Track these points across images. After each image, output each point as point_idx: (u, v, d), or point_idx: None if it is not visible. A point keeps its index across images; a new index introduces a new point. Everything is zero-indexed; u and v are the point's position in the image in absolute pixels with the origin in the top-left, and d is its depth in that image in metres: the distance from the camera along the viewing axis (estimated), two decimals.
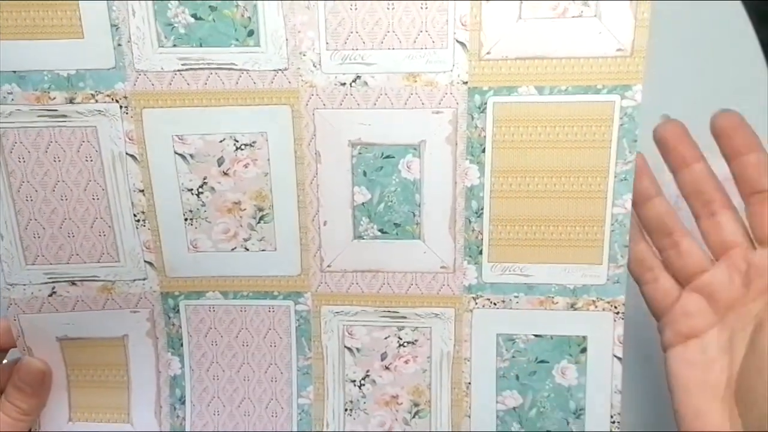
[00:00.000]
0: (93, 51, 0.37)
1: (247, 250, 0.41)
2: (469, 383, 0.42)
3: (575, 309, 0.41)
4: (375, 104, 0.39)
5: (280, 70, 0.38)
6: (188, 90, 0.38)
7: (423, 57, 0.38)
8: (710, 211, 0.39)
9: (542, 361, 0.42)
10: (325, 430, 0.44)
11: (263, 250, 0.41)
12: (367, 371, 0.43)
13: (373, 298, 0.42)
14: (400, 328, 0.42)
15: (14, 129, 0.39)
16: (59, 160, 0.39)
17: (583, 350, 0.41)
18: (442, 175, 0.40)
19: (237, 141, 0.39)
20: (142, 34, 0.37)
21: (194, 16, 0.37)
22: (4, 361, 0.43)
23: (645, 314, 0.41)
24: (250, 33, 0.37)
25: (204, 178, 0.40)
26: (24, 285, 0.41)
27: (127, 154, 0.39)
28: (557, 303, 0.41)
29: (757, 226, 0.37)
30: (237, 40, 0.37)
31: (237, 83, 0.38)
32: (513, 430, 0.43)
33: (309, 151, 0.40)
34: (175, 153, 0.39)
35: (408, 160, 0.40)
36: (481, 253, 0.41)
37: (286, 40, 0.38)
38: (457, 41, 0.38)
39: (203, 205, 0.40)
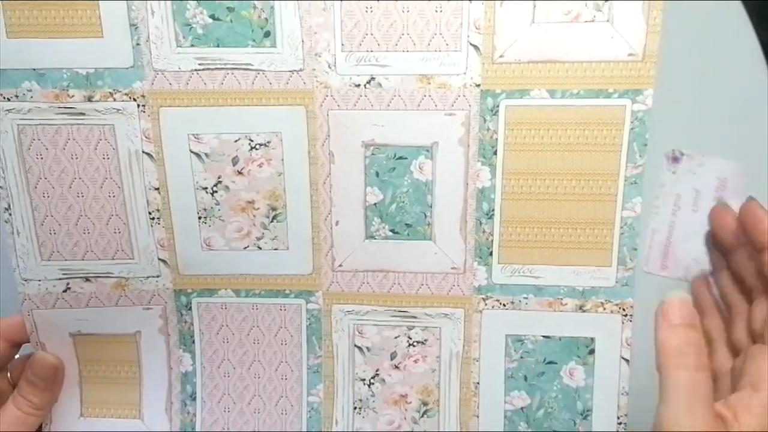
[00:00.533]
0: (112, 50, 0.38)
1: (260, 248, 0.42)
2: (478, 383, 0.43)
3: (584, 311, 0.41)
4: (389, 106, 0.39)
5: (295, 70, 0.39)
6: (205, 89, 0.39)
7: (437, 59, 0.38)
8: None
9: (550, 362, 0.42)
10: (334, 428, 0.44)
11: (276, 249, 0.42)
12: (377, 370, 0.43)
13: (383, 297, 0.42)
14: (410, 328, 0.43)
15: (33, 126, 0.39)
16: (76, 158, 0.40)
17: (591, 351, 0.42)
18: (454, 176, 0.40)
19: (252, 141, 0.40)
20: (161, 34, 0.38)
21: (212, 16, 0.38)
22: (17, 356, 0.44)
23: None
24: (267, 34, 0.38)
25: (218, 177, 0.40)
26: (39, 281, 0.42)
27: (143, 152, 0.40)
28: (566, 304, 0.41)
29: None
30: (254, 40, 0.38)
31: (253, 83, 0.39)
32: (521, 430, 0.43)
33: (323, 152, 0.40)
34: (191, 152, 0.40)
35: (420, 161, 0.40)
36: (491, 254, 0.41)
37: (302, 41, 0.38)
38: (471, 44, 0.38)
39: (217, 203, 0.41)
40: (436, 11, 0.38)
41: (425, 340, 0.43)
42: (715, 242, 0.39)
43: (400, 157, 0.40)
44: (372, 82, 0.39)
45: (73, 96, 0.39)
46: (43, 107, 0.39)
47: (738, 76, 0.39)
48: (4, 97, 0.39)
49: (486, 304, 0.42)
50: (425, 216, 0.41)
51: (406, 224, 0.41)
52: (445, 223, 0.41)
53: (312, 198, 0.41)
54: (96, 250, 0.41)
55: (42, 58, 0.38)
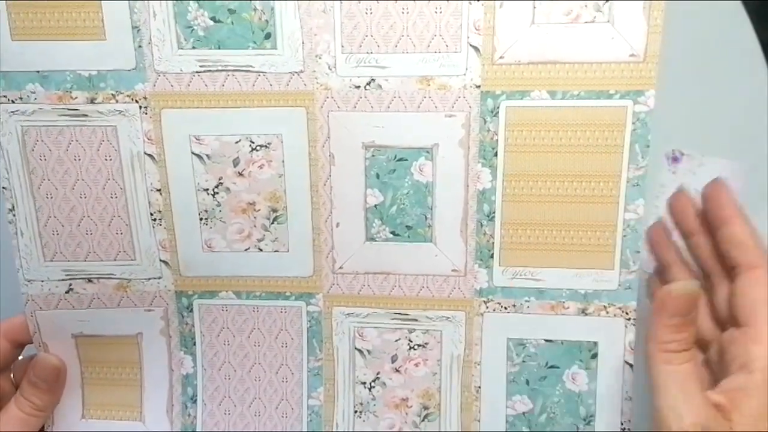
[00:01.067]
0: (114, 52, 0.39)
1: (261, 250, 0.42)
2: (479, 387, 0.43)
3: (586, 314, 0.41)
4: (389, 107, 0.39)
5: (295, 72, 0.39)
6: (206, 91, 0.39)
7: (436, 61, 0.39)
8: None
9: (553, 366, 0.42)
10: (334, 431, 0.44)
11: (276, 251, 0.42)
12: (378, 373, 0.43)
13: (384, 300, 0.42)
14: (411, 331, 0.43)
15: (37, 127, 0.40)
16: (79, 159, 0.40)
17: (594, 356, 0.41)
18: (454, 178, 0.40)
19: (252, 142, 0.40)
20: (163, 36, 0.38)
21: (213, 18, 0.38)
22: (21, 357, 0.44)
23: None
24: (267, 36, 0.38)
25: (220, 179, 0.41)
26: (42, 281, 0.42)
27: (145, 153, 0.40)
28: (568, 308, 0.41)
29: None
30: (254, 42, 0.39)
31: (254, 85, 0.39)
32: None
33: (323, 153, 0.40)
34: (192, 153, 0.40)
35: (420, 163, 0.40)
36: (492, 256, 0.41)
37: (303, 43, 0.39)
38: (471, 45, 0.38)
39: (218, 205, 0.41)
40: (436, 12, 0.38)
41: (426, 343, 0.43)
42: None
43: (401, 159, 0.40)
44: (372, 83, 0.39)
45: (76, 98, 0.39)
46: (47, 109, 0.40)
47: (738, 76, 0.40)
48: (9, 99, 0.39)
49: (487, 307, 0.42)
50: (426, 218, 0.41)
51: (406, 226, 0.41)
52: (446, 225, 0.41)
53: (312, 199, 0.41)
54: (98, 251, 0.42)
55: (46, 61, 0.39)
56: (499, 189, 0.40)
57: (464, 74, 0.39)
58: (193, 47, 0.39)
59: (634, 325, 0.41)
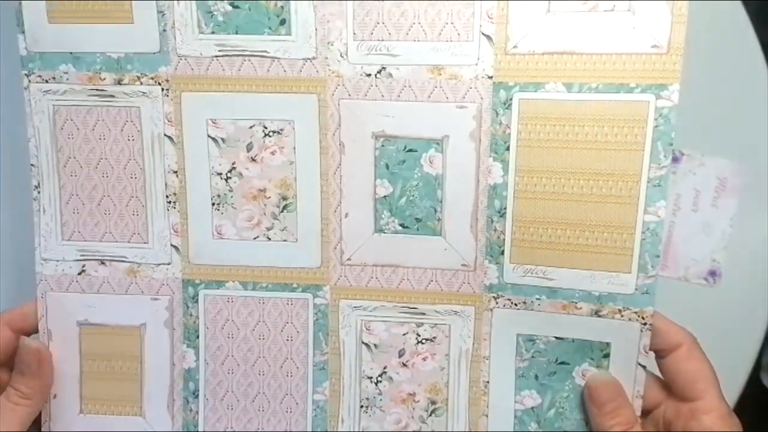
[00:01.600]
0: (141, 35, 0.41)
1: (269, 239, 0.42)
2: (488, 382, 0.41)
3: (599, 316, 0.39)
4: (399, 96, 0.39)
5: (308, 59, 0.40)
6: (223, 75, 0.41)
7: (448, 49, 0.38)
8: None
9: (563, 363, 0.40)
10: (340, 427, 0.43)
11: (285, 240, 0.42)
12: (385, 368, 0.42)
13: (392, 293, 0.42)
14: (419, 325, 0.42)
15: (67, 107, 0.42)
16: (104, 138, 0.42)
17: (606, 356, 0.39)
18: (465, 171, 0.40)
19: (266, 127, 0.41)
20: (185, 21, 0.40)
21: (232, 4, 0.40)
22: None
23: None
24: (282, 22, 0.39)
25: (233, 163, 0.42)
26: (57, 261, 0.43)
27: (165, 135, 0.42)
28: (581, 308, 0.39)
29: None
30: (270, 28, 0.40)
31: (268, 70, 0.40)
32: (531, 430, 0.41)
33: (333, 142, 0.41)
34: (208, 136, 0.41)
35: (431, 154, 0.40)
36: (503, 253, 0.40)
37: (316, 29, 0.39)
38: (483, 34, 0.38)
39: (231, 190, 0.42)
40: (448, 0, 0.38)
41: (434, 338, 0.42)
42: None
43: (411, 150, 0.40)
44: (383, 71, 0.39)
45: (104, 79, 0.41)
46: (77, 89, 0.42)
47: (738, 76, 0.39)
48: (43, 79, 0.42)
49: (497, 303, 0.40)
50: (435, 211, 0.40)
51: (415, 219, 0.41)
52: (456, 219, 0.40)
53: (322, 188, 0.41)
54: (114, 231, 0.43)
55: (78, 43, 0.41)
56: (511, 184, 0.39)
57: (476, 64, 0.38)
58: (213, 32, 0.40)
59: (650, 330, 0.38)
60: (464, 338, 0.41)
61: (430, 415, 0.42)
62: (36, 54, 0.41)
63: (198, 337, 0.44)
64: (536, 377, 0.40)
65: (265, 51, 0.40)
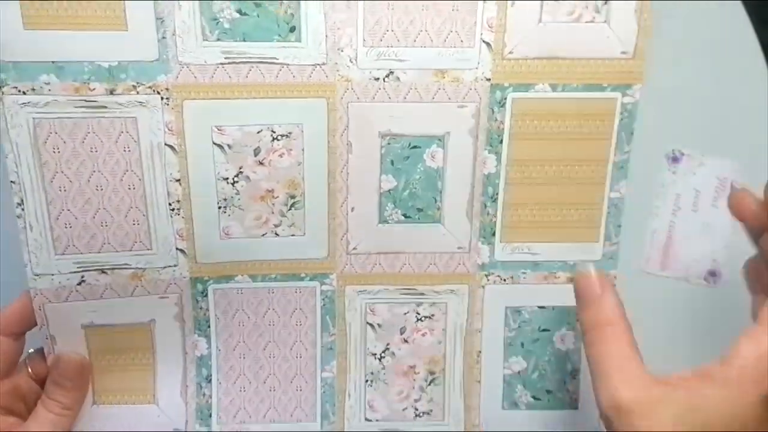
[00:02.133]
0: (136, 43, 0.38)
1: (277, 235, 0.44)
2: (480, 352, 0.48)
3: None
4: (405, 98, 0.42)
5: (318, 64, 0.41)
6: (230, 83, 0.40)
7: (452, 55, 0.42)
8: None
9: (544, 330, 0.48)
10: (347, 401, 0.48)
11: (293, 235, 0.44)
12: (387, 344, 0.47)
13: (394, 277, 0.46)
14: (419, 304, 0.47)
15: (50, 119, 0.39)
16: (96, 151, 0.40)
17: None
18: (463, 163, 0.44)
19: (274, 132, 0.42)
20: (187, 28, 0.39)
21: (239, 11, 0.39)
22: (30, 350, 0.44)
23: None
24: (292, 29, 0.40)
25: (240, 168, 0.42)
26: (52, 275, 0.42)
27: (165, 144, 0.41)
28: (559, 277, 0.46)
29: None
30: (279, 35, 0.40)
31: (277, 77, 0.40)
32: (517, 391, 0.48)
33: (341, 142, 0.43)
34: (214, 143, 0.41)
35: (433, 150, 0.44)
36: (494, 234, 0.45)
37: (326, 36, 0.40)
38: (483, 41, 0.42)
39: (237, 193, 0.43)
40: (453, 10, 0.41)
41: (432, 315, 0.47)
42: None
43: (414, 147, 0.43)
44: (391, 75, 0.41)
45: (94, 89, 0.39)
46: (62, 100, 0.39)
47: (738, 76, 0.42)
48: (20, 91, 0.38)
49: (488, 280, 0.46)
50: (435, 201, 0.45)
51: (417, 209, 0.45)
52: (454, 207, 0.45)
53: (329, 186, 0.43)
54: (113, 242, 0.42)
55: (61, 51, 0.38)
56: (503, 173, 0.44)
57: (476, 68, 0.42)
58: (218, 39, 0.39)
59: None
60: (459, 314, 0.47)
61: (429, 385, 0.48)
62: (9, 64, 0.38)
63: (209, 326, 0.45)
64: (522, 345, 0.47)
65: (275, 58, 0.40)
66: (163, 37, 0.39)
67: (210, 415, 0.47)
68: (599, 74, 0.43)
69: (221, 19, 0.39)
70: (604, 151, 0.44)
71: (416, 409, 0.48)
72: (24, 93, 0.38)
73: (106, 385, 0.45)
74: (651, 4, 0.41)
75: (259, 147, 0.42)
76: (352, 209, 0.44)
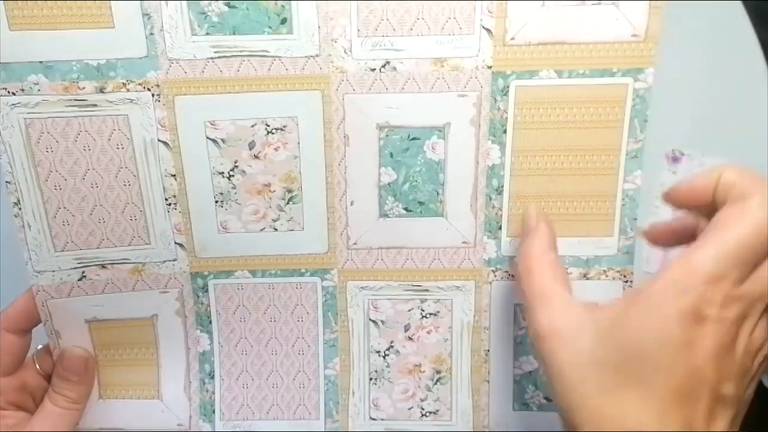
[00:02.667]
0: (124, 40, 0.39)
1: (276, 230, 0.44)
2: (488, 350, 0.47)
3: (587, 278, 0.45)
4: (403, 88, 0.41)
5: (311, 56, 0.40)
6: (221, 77, 0.40)
7: (450, 43, 0.40)
8: None
9: None
10: (350, 399, 0.47)
11: (291, 230, 0.44)
12: (391, 342, 0.47)
13: (397, 273, 0.45)
14: (423, 301, 0.46)
15: (41, 119, 0.40)
16: (89, 149, 0.40)
17: None
18: (465, 155, 0.43)
19: (268, 125, 0.41)
20: (175, 23, 0.38)
21: (228, 5, 0.38)
22: (39, 346, 0.45)
23: None
24: (284, 21, 0.39)
25: (235, 162, 0.42)
26: (53, 271, 0.43)
27: (159, 140, 0.41)
28: (571, 273, 0.45)
29: None
30: (270, 27, 0.39)
31: (269, 70, 0.40)
32: (529, 392, 0.47)
33: (338, 135, 0.42)
34: (207, 138, 0.41)
35: (433, 141, 0.43)
36: (500, 228, 0.44)
37: (319, 27, 0.39)
38: (483, 27, 0.40)
39: (234, 187, 0.42)
40: None
41: (437, 312, 0.46)
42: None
43: (414, 138, 0.42)
44: (387, 66, 0.41)
45: (84, 88, 0.39)
46: (52, 100, 0.39)
47: (738, 75, 0.42)
48: (9, 92, 0.39)
49: (495, 276, 0.45)
50: (437, 194, 0.44)
51: (419, 202, 0.44)
52: (457, 200, 0.44)
53: (327, 179, 0.43)
54: (112, 237, 0.43)
55: (49, 50, 0.38)
56: (508, 164, 0.43)
57: (477, 55, 0.41)
58: (208, 33, 0.39)
59: (631, 287, 0.45)
60: (466, 311, 0.46)
61: (435, 384, 0.47)
62: None
63: (211, 322, 0.46)
64: (532, 344, 0.46)
65: (266, 50, 0.40)
66: (151, 33, 0.39)
67: (213, 412, 0.47)
68: (608, 59, 0.41)
69: (209, 13, 0.39)
70: (616, 139, 0.43)
71: (422, 409, 0.47)
72: (14, 94, 0.39)
73: (111, 379, 0.46)
74: None
75: (253, 141, 0.42)
76: (352, 203, 0.43)
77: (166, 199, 0.42)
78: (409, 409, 0.47)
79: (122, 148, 0.41)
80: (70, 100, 0.39)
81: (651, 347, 0.32)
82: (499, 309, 0.46)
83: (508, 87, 0.41)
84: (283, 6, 0.39)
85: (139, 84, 0.40)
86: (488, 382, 0.47)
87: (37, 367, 0.44)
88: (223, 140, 0.41)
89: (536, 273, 0.38)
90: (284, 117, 0.41)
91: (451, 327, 0.46)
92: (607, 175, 0.43)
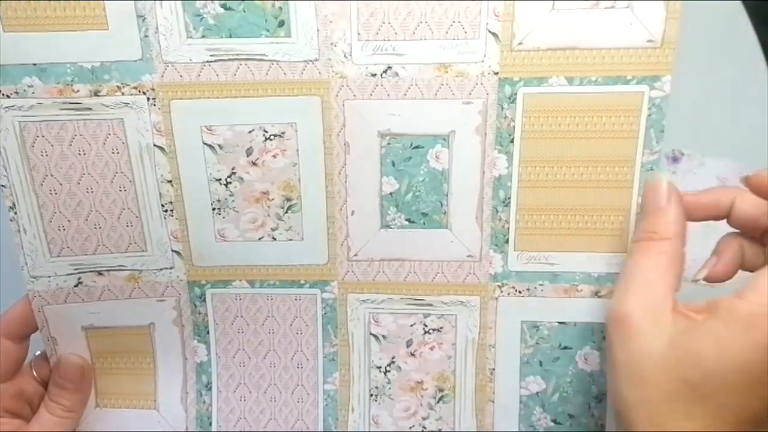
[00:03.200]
0: (118, 43, 0.38)
1: (275, 239, 0.43)
2: (493, 369, 0.45)
3: (599, 296, 0.43)
4: (405, 95, 0.40)
5: (310, 60, 0.39)
6: (217, 81, 0.39)
7: (455, 47, 0.39)
8: None
9: (566, 347, 0.44)
10: (350, 416, 0.46)
11: (290, 240, 0.43)
12: (393, 358, 0.45)
13: (399, 286, 0.44)
14: (426, 316, 0.44)
15: (36, 123, 0.39)
16: (84, 153, 0.40)
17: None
18: (471, 165, 0.41)
19: (266, 131, 0.40)
20: (170, 26, 0.38)
21: (224, 6, 0.38)
22: (37, 353, 0.44)
23: None
24: (281, 24, 0.38)
25: (232, 169, 0.41)
26: (49, 277, 0.42)
27: (154, 145, 0.40)
28: (581, 291, 0.43)
29: None
30: (267, 30, 0.38)
31: (267, 74, 0.39)
32: (536, 414, 0.45)
33: (338, 142, 0.41)
34: (204, 144, 0.40)
35: (437, 150, 0.41)
36: (507, 242, 0.43)
37: (318, 30, 0.38)
38: (490, 32, 0.39)
39: (231, 195, 0.42)
40: None
41: (441, 328, 0.45)
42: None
43: (417, 146, 0.41)
44: (389, 71, 0.39)
45: (78, 91, 0.39)
46: (46, 103, 0.39)
47: (738, 76, 0.41)
48: (4, 94, 0.38)
49: (502, 292, 0.44)
50: (441, 205, 0.42)
51: (422, 213, 0.42)
52: (462, 211, 0.42)
53: (327, 188, 0.42)
54: (108, 243, 0.42)
55: (43, 53, 0.38)
56: (515, 175, 0.41)
57: (482, 61, 0.39)
58: (203, 36, 0.38)
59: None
60: (470, 327, 0.44)
61: (438, 402, 0.46)
62: None
63: (208, 332, 0.45)
64: (540, 363, 0.44)
65: (263, 54, 0.39)
66: (146, 36, 0.38)
67: (210, 424, 0.46)
68: (622, 65, 0.39)
69: (205, 15, 0.38)
70: (630, 150, 0.41)
71: (424, 428, 0.46)
72: (8, 96, 0.39)
73: (108, 387, 0.46)
74: None
75: (251, 147, 0.41)
76: (352, 213, 0.42)
77: (163, 206, 0.41)
78: (411, 427, 0.46)
79: (117, 152, 0.40)
80: (65, 103, 0.39)
81: (729, 369, 0.31)
82: (505, 326, 0.44)
83: (515, 94, 0.40)
84: (280, 8, 0.38)
85: (134, 87, 0.39)
86: (493, 402, 0.45)
87: (35, 374, 0.44)
88: (220, 146, 0.40)
89: (651, 256, 0.36)
90: (283, 123, 0.40)
91: (455, 344, 0.45)
92: (620, 188, 0.41)
